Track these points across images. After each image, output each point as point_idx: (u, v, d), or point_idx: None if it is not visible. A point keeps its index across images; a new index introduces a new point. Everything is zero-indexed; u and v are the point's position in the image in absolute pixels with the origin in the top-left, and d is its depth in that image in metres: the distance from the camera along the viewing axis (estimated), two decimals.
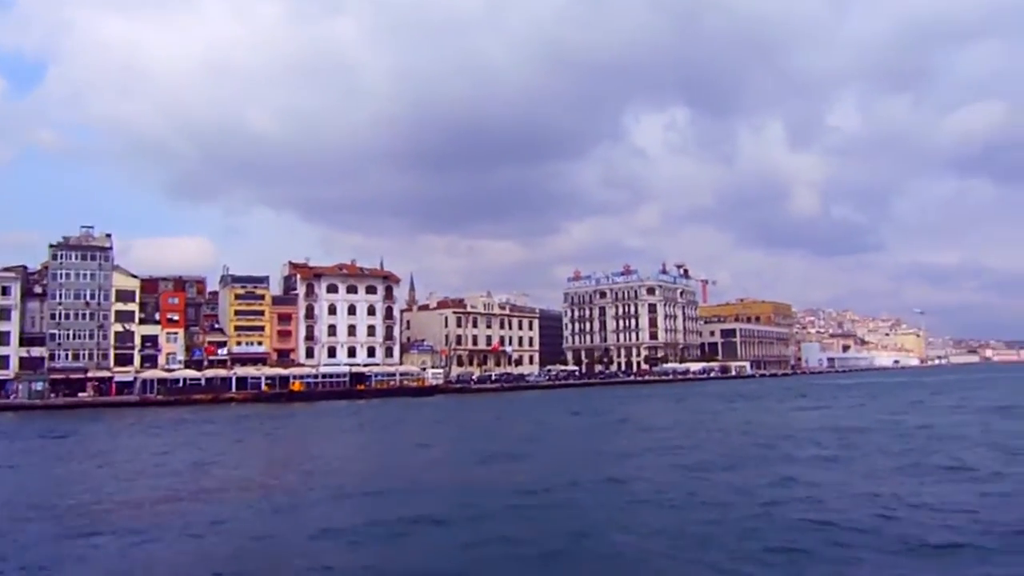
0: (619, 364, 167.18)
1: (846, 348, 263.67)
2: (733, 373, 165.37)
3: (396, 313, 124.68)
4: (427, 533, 17.39)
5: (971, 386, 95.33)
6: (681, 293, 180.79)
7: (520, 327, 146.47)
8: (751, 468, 26.40)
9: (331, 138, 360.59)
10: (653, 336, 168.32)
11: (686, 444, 34.88)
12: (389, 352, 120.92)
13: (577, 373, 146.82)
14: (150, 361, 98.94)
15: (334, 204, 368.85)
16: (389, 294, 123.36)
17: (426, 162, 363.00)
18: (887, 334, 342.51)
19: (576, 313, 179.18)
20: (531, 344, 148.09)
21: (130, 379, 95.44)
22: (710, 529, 16.77)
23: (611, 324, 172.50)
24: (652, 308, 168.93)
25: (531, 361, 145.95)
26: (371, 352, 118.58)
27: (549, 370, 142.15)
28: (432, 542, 16.71)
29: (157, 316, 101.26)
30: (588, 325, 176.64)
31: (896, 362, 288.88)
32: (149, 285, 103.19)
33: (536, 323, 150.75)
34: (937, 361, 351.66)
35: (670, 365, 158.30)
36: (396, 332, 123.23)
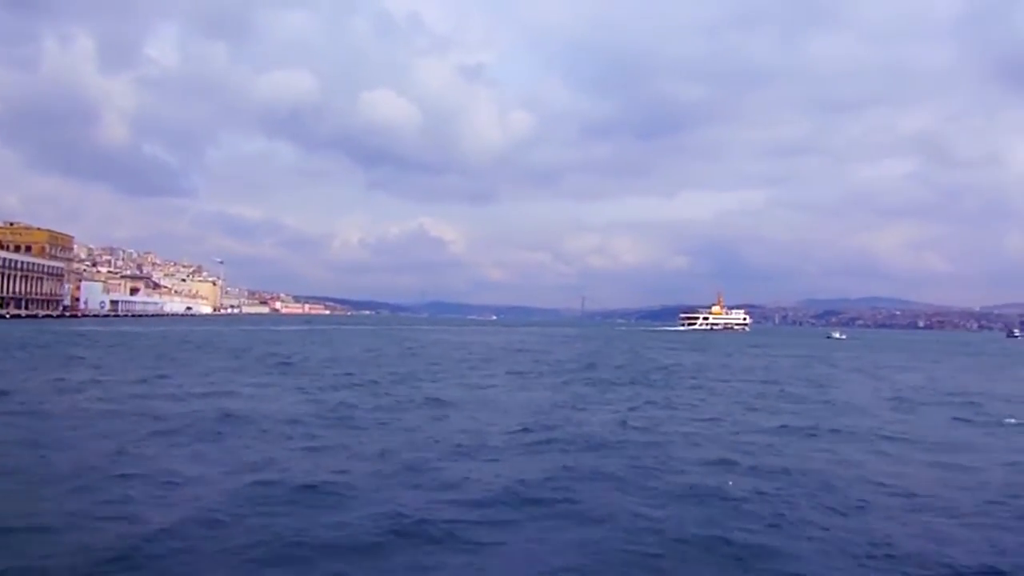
0: None
1: (135, 291, 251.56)
2: None
3: None
4: None
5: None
6: None
7: None
8: None
9: None
10: None
11: None
12: None
13: None
14: None
15: None
16: None
17: None
18: (184, 280, 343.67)
19: None
20: None
21: None
22: None
23: None
24: None
25: None
26: None
27: None
28: None
29: None
30: None
31: (189, 309, 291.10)
32: None
33: None
34: (231, 310, 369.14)
35: None
36: None
